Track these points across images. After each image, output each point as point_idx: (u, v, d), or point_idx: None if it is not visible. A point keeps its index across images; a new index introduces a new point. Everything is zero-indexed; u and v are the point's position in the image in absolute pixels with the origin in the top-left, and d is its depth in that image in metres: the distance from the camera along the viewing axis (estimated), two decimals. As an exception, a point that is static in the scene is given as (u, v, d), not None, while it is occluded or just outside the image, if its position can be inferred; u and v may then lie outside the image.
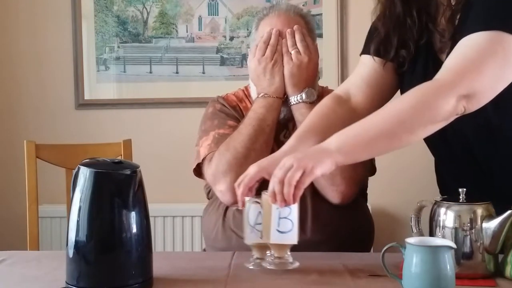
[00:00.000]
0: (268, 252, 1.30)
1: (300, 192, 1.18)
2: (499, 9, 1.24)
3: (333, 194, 1.56)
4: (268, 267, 1.27)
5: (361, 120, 1.25)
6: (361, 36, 1.51)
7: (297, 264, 1.28)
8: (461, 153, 1.44)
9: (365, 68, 1.48)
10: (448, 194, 1.31)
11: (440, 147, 1.49)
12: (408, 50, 1.40)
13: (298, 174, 1.17)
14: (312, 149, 1.25)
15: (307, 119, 1.45)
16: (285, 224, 1.24)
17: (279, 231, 1.25)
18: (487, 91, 1.22)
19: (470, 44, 1.23)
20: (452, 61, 1.25)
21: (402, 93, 1.48)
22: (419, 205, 1.30)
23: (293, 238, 1.26)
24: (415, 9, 1.39)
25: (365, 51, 1.49)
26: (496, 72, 1.21)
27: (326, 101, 1.48)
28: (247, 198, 1.29)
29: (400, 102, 1.28)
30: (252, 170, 1.28)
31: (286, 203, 1.19)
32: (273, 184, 1.20)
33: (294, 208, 1.24)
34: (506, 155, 1.39)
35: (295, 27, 1.63)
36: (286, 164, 1.19)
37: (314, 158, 1.19)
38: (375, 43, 1.46)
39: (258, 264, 1.32)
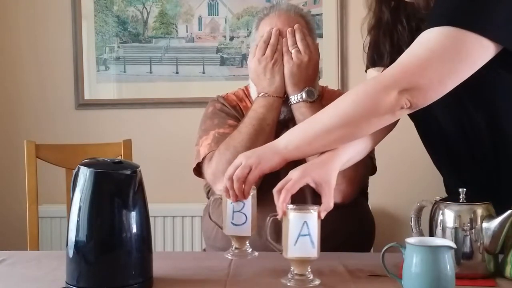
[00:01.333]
0: (291, 269, 1.24)
1: (248, 188, 1.27)
2: (450, 5, 1.23)
3: (334, 193, 1.55)
4: (288, 284, 1.21)
5: (311, 117, 1.33)
6: (361, 36, 1.51)
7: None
8: (461, 153, 1.44)
9: None
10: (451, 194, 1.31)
11: (440, 147, 1.48)
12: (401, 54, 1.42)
13: (246, 171, 1.26)
14: (263, 147, 1.32)
15: None
16: (239, 217, 1.30)
17: (233, 223, 1.30)
18: (434, 85, 1.21)
19: (420, 40, 1.24)
20: (401, 57, 1.26)
21: None
22: (419, 205, 1.30)
23: (247, 230, 1.31)
24: (404, 15, 1.41)
25: (366, 67, 1.51)
26: (444, 66, 1.20)
27: None
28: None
29: (343, 97, 1.30)
30: (296, 175, 1.26)
31: (237, 198, 1.27)
32: (224, 181, 1.29)
33: (247, 203, 1.29)
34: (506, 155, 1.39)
35: (296, 26, 1.63)
36: (236, 162, 1.29)
37: (261, 156, 1.28)
38: (369, 54, 1.48)
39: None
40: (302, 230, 1.18)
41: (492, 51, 1.21)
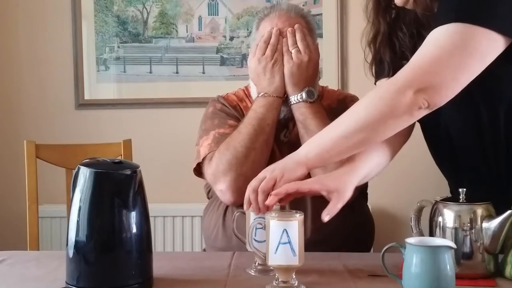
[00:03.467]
0: (276, 276, 1.22)
1: (274, 201, 1.25)
2: (455, 1, 1.24)
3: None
4: None
5: (330, 124, 1.32)
6: (361, 41, 1.51)
7: None
8: (463, 153, 1.44)
9: None
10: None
11: (443, 148, 1.49)
12: (407, 59, 1.42)
13: (271, 183, 1.27)
14: (285, 159, 1.33)
15: None
16: (261, 234, 1.26)
17: (256, 240, 1.28)
18: (448, 82, 1.20)
19: (429, 40, 1.24)
20: (412, 59, 1.26)
21: None
22: (419, 205, 1.30)
23: None
24: (404, 22, 1.41)
25: (375, 81, 1.52)
26: (454, 63, 1.20)
27: None
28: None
29: (359, 102, 1.30)
30: (309, 182, 1.29)
31: (261, 211, 1.27)
32: (248, 193, 1.29)
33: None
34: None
35: (296, 26, 1.63)
36: (260, 175, 1.29)
37: (284, 167, 1.29)
38: (374, 68, 1.49)
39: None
40: (282, 238, 1.17)
41: (501, 44, 1.21)
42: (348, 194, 1.30)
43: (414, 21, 1.41)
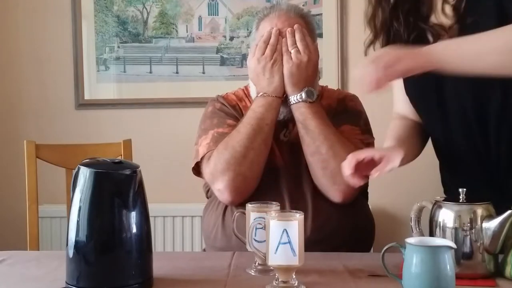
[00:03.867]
0: (276, 276, 1.22)
1: (389, 79, 1.24)
2: None
3: (334, 193, 1.56)
4: None
5: (471, 36, 1.26)
6: (361, 36, 1.51)
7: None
8: (465, 149, 1.44)
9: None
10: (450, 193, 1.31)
11: (445, 144, 1.49)
12: None
13: (392, 61, 1.22)
14: (414, 49, 1.28)
15: (392, 131, 1.52)
16: (261, 234, 1.26)
17: (256, 240, 1.28)
18: None
19: None
20: None
21: (407, 93, 1.49)
22: (419, 205, 1.30)
23: None
24: (402, 12, 1.41)
25: None
26: None
27: (396, 121, 1.58)
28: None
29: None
30: (364, 153, 1.36)
31: (373, 87, 1.24)
32: (365, 66, 1.25)
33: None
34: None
35: (296, 26, 1.63)
36: (383, 52, 1.27)
37: (411, 54, 1.25)
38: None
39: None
40: (282, 238, 1.17)
41: None
42: (397, 162, 1.35)
43: (413, 11, 1.40)
